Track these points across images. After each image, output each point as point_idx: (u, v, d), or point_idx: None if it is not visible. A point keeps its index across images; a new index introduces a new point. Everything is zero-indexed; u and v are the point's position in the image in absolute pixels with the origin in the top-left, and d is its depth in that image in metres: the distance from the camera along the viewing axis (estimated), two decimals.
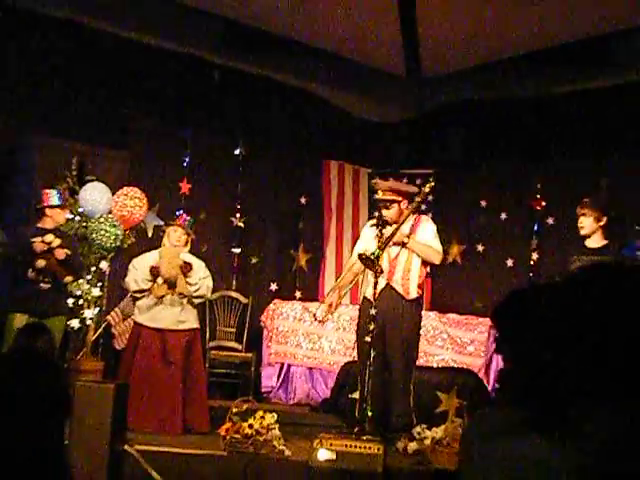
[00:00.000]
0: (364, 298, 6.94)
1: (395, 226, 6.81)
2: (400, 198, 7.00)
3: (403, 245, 6.90)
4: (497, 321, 2.07)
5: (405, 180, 9.45)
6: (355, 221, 10.44)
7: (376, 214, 7.07)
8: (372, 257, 6.48)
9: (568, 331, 1.54)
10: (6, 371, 2.91)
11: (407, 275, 6.95)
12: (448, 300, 9.86)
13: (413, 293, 6.98)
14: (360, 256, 6.58)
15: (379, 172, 9.53)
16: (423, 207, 7.07)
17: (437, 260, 7.25)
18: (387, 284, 6.88)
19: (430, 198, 7.01)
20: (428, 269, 7.33)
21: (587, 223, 7.14)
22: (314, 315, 7.42)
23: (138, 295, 7.50)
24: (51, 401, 2.87)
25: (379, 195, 7.08)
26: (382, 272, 6.66)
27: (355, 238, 10.55)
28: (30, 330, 5.86)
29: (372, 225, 6.93)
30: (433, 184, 7.01)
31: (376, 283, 6.56)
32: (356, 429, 6.34)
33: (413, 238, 6.94)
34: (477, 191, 10.10)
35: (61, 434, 3.07)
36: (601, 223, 7.13)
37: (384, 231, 6.72)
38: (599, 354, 1.49)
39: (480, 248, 10.09)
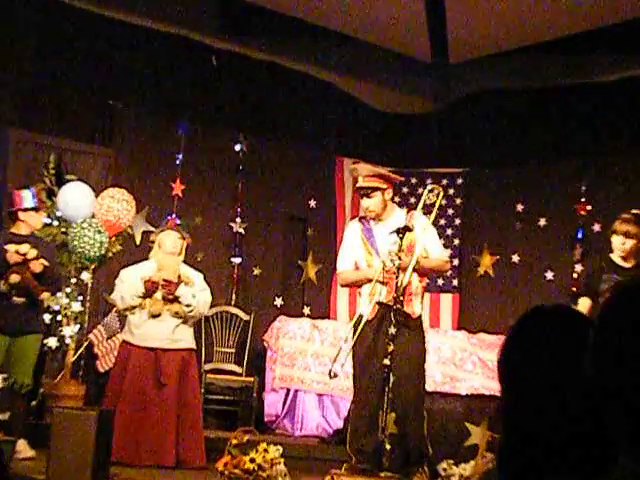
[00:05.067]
0: (359, 316, 6.76)
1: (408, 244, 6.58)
2: (385, 185, 6.81)
3: (413, 269, 6.65)
4: (506, 345, 1.99)
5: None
6: None
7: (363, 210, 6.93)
8: (396, 304, 6.34)
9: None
10: None
11: (408, 289, 6.70)
12: (478, 318, 9.90)
13: (418, 310, 6.82)
14: (378, 303, 6.53)
15: (399, 171, 9.39)
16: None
17: (448, 267, 7.27)
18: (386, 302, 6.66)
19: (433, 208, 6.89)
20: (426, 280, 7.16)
21: (630, 245, 7.00)
22: (330, 372, 6.83)
23: (127, 313, 7.56)
24: None
25: (360, 182, 6.86)
26: (408, 320, 6.59)
27: None
28: None
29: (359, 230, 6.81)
30: (441, 194, 6.89)
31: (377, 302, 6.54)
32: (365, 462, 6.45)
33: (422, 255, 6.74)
34: (512, 193, 10.07)
35: None
36: None
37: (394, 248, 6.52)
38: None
39: (515, 259, 10.01)
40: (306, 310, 10.13)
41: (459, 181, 10.34)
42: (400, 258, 6.41)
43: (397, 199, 8.71)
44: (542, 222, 9.96)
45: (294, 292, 10.26)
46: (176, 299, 7.45)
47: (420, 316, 6.85)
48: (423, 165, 10.05)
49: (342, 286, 8.10)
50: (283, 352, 9.31)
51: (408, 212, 6.89)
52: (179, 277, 7.48)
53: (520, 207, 10.05)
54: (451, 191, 10.25)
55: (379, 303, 6.61)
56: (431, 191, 6.90)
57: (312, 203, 10.35)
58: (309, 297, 10.27)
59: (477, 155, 9.99)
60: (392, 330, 6.35)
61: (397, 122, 9.15)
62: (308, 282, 10.30)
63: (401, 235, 6.38)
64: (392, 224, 6.63)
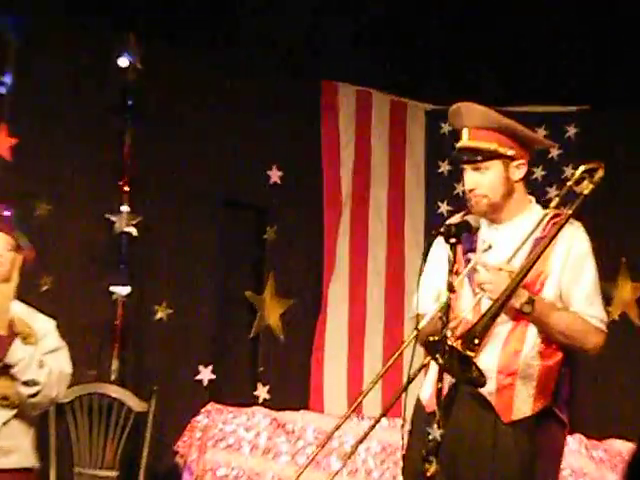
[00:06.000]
0: (417, 402, 6.73)
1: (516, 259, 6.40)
2: (512, 151, 6.57)
3: (521, 314, 6.50)
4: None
5: None
6: (398, 219, 10.79)
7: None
8: (464, 350, 6.04)
9: None
10: None
11: (511, 362, 6.50)
12: (605, 410, 10.37)
13: (524, 408, 6.59)
14: (429, 344, 6.14)
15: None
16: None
17: (597, 340, 6.74)
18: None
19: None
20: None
21: None
22: None
23: None
24: None
25: (464, 139, 6.69)
26: (484, 383, 6.26)
27: (398, 261, 9.99)
28: None
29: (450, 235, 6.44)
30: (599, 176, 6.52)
31: (441, 377, 6.11)
32: None
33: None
34: None
35: None
36: None
37: (480, 260, 6.47)
38: None
39: None
40: (262, 392, 10.21)
41: (571, 130, 10.55)
42: (452, 289, 6.03)
43: None
44: None
45: (237, 355, 10.47)
46: (5, 370, 7.35)
47: (528, 419, 6.48)
48: (502, 100, 9.64)
49: (421, 345, 8.11)
50: (215, 477, 9.33)
51: (554, 216, 6.49)
52: (10, 326, 7.51)
53: None
54: (555, 152, 10.34)
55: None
56: (589, 171, 6.49)
57: (274, 174, 10.44)
58: (268, 367, 10.20)
59: (604, 80, 10.40)
60: (436, 433, 5.73)
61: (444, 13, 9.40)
62: (266, 335, 10.42)
63: (453, 240, 6.02)
64: (520, 229, 6.52)
